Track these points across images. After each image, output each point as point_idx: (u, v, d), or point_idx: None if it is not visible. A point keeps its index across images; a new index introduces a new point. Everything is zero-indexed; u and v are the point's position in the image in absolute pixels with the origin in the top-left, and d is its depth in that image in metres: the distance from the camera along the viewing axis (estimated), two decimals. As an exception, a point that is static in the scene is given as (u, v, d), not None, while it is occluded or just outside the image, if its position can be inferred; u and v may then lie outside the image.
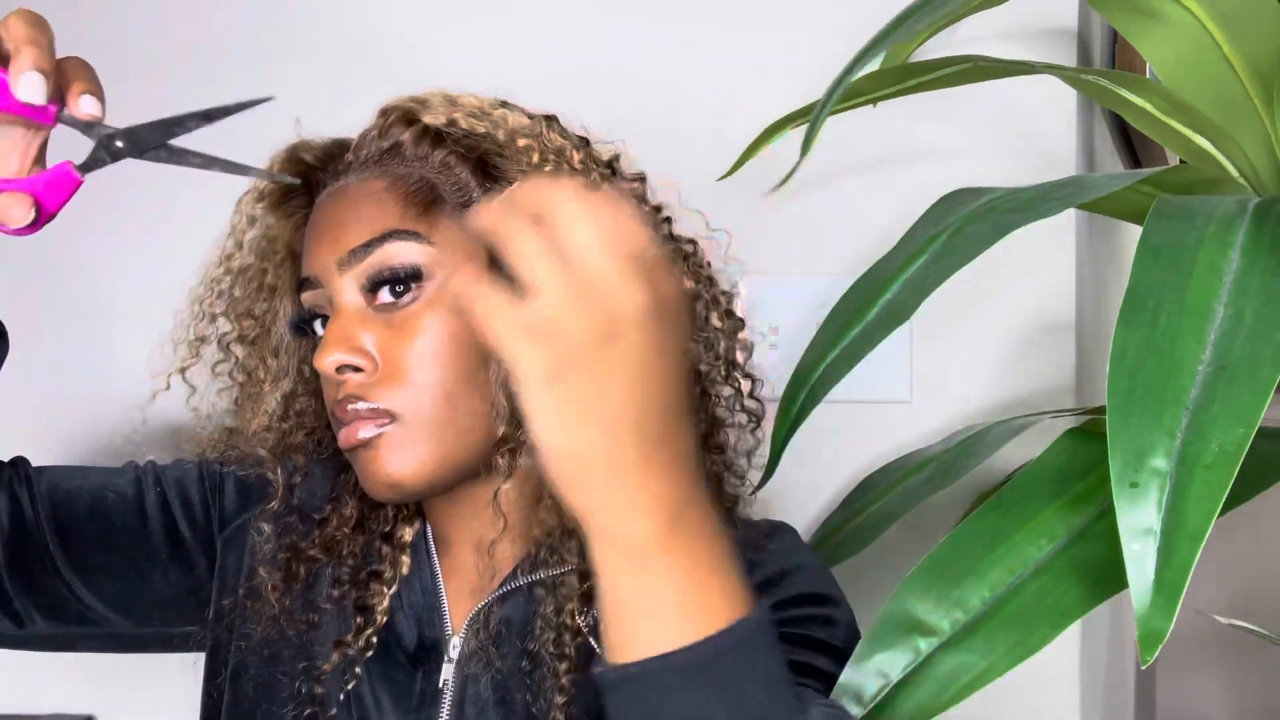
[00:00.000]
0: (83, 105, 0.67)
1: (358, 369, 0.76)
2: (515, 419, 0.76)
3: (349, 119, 0.84)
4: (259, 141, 0.82)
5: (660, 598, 0.54)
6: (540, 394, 0.52)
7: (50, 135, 0.70)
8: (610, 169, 0.83)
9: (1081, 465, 0.70)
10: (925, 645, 0.66)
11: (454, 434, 0.76)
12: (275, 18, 1.20)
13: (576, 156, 0.80)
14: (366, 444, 0.76)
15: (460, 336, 0.76)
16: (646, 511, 0.53)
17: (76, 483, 0.87)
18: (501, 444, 0.77)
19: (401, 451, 0.75)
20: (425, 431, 0.75)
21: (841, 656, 0.71)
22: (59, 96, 0.67)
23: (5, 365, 0.82)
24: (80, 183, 0.69)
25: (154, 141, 0.70)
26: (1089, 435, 0.72)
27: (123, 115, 0.69)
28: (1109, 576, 0.65)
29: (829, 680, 0.69)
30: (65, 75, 0.67)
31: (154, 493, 0.88)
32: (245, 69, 1.18)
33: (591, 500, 0.54)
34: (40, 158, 0.70)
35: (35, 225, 0.69)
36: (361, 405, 0.75)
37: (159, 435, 0.96)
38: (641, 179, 0.85)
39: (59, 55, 0.66)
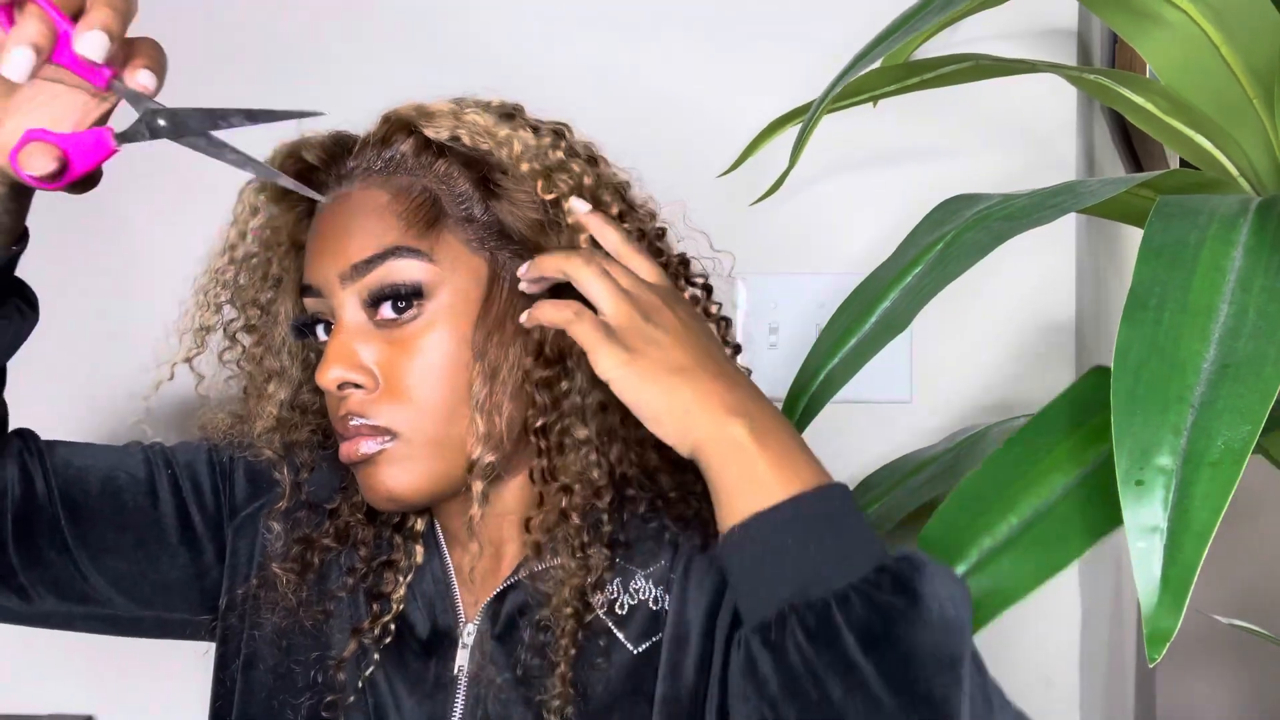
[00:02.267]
0: (139, 77, 0.66)
1: (358, 385, 0.77)
2: (499, 443, 0.76)
3: (355, 115, 0.84)
4: (262, 132, 0.81)
5: (760, 471, 0.69)
6: (626, 376, 0.70)
7: (114, 111, 0.70)
8: (618, 193, 0.81)
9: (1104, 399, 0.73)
10: (960, 569, 0.70)
11: (453, 450, 0.77)
12: (285, 12, 1.20)
13: (585, 182, 0.79)
14: (368, 459, 0.77)
15: (460, 355, 0.76)
16: (731, 415, 0.70)
17: (88, 460, 0.86)
18: (485, 471, 0.76)
19: (401, 467, 0.77)
20: (425, 449, 0.77)
21: None
22: (119, 66, 0.66)
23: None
24: (114, 151, 0.68)
25: (196, 129, 0.69)
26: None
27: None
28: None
29: None
30: (133, 49, 0.67)
31: (165, 475, 0.88)
32: (251, 63, 1.18)
33: (695, 427, 0.70)
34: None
35: (60, 181, 0.68)
36: (363, 422, 0.76)
37: (163, 427, 0.96)
38: (652, 215, 0.84)
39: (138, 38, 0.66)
